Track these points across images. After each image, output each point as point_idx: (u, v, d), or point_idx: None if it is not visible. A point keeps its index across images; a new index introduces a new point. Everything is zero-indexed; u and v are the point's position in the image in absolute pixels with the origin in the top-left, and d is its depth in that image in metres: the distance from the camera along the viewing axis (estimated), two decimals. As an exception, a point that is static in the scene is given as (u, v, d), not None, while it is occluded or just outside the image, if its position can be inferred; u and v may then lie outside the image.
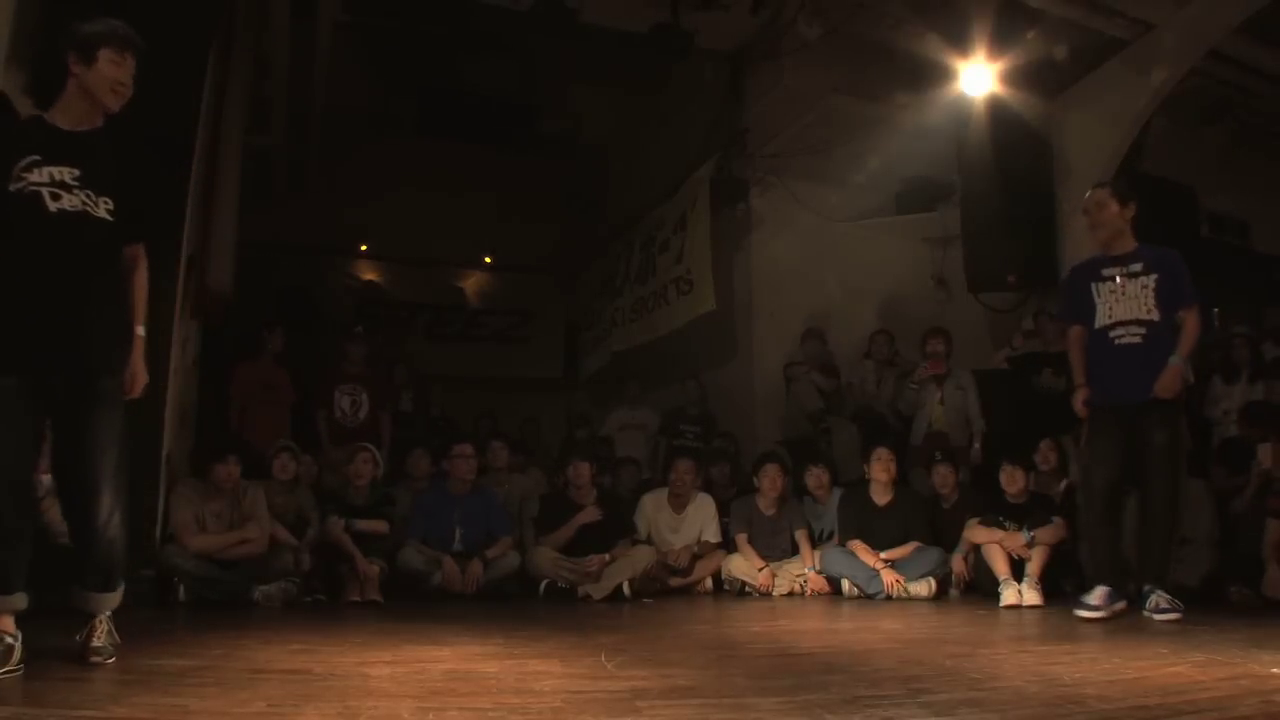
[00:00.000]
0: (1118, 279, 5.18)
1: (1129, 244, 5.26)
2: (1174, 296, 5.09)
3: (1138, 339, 5.09)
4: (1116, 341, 5.14)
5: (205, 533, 6.01)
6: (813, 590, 6.98)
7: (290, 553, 6.22)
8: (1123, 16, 7.68)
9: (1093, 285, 5.27)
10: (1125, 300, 5.15)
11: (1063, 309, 5.63)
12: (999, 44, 7.68)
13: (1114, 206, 5.22)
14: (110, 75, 3.33)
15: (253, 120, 8.53)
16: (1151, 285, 5.10)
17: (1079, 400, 5.30)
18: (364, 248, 13.24)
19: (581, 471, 7.20)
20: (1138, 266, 5.16)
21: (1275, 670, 3.09)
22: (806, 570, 7.06)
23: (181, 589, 5.86)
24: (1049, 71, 8.13)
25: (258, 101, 8.83)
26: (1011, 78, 7.94)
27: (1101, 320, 5.21)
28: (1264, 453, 6.17)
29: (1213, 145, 9.27)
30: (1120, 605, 4.90)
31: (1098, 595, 4.87)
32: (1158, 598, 4.86)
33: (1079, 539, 6.61)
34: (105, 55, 3.30)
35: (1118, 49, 7.95)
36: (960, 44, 7.81)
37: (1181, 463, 5.33)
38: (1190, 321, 5.07)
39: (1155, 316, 5.08)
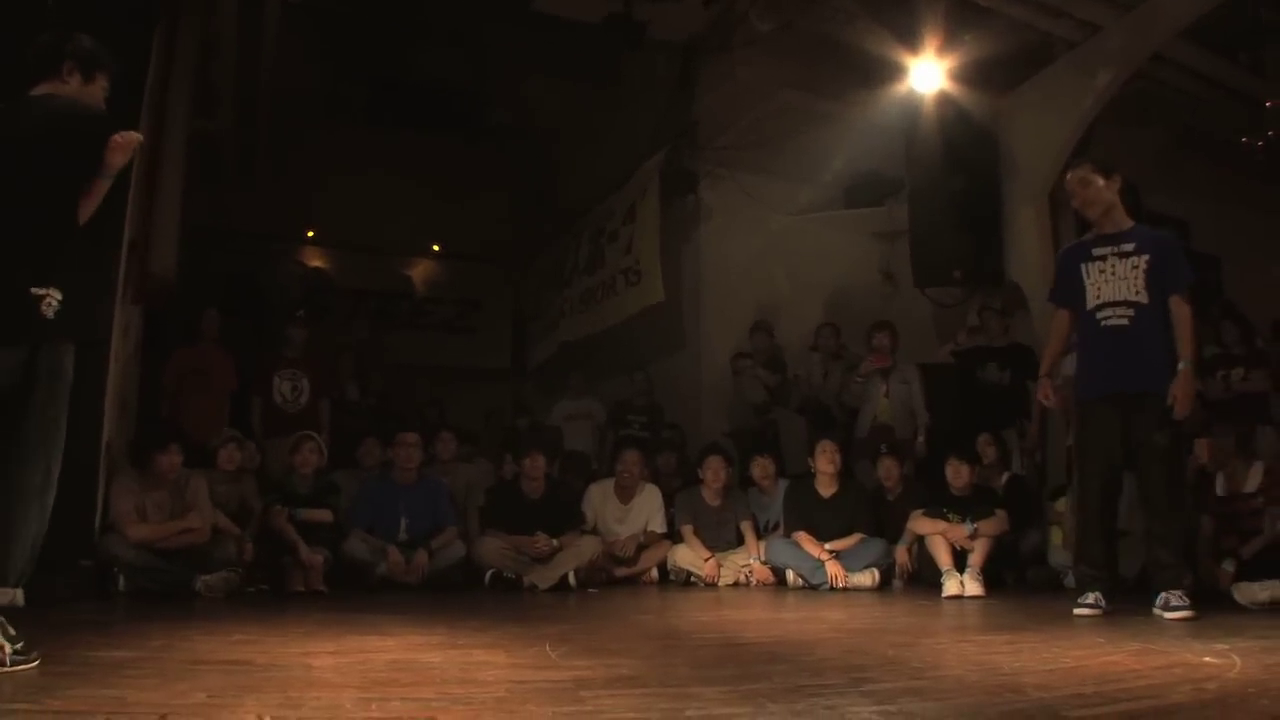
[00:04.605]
0: (1109, 258, 4.95)
1: (1123, 222, 5.04)
2: (1164, 280, 4.84)
3: (1124, 321, 4.86)
4: (1103, 323, 4.92)
5: (146, 522, 5.92)
6: (757, 581, 7.03)
7: (233, 542, 6.15)
8: (1070, 18, 7.80)
9: (1083, 266, 5.03)
10: (1114, 281, 4.91)
11: (1052, 292, 5.35)
12: (948, 41, 7.76)
13: (1098, 181, 4.99)
14: (99, 101, 3.26)
15: (199, 104, 8.38)
16: (1142, 266, 4.85)
17: (1041, 391, 5.20)
18: (311, 234, 13.07)
19: (537, 464, 7.17)
20: (1129, 246, 4.93)
21: (1207, 659, 3.15)
22: (751, 561, 7.11)
23: (121, 579, 5.75)
24: (997, 70, 8.22)
25: (204, 85, 8.67)
26: (960, 75, 8.03)
27: (1090, 301, 4.97)
28: (1200, 448, 6.27)
29: (1155, 146, 9.42)
30: (1109, 607, 4.74)
31: (1094, 596, 4.76)
32: (1168, 595, 4.59)
33: (1018, 530, 6.74)
34: (101, 82, 3.26)
35: (1065, 49, 8.07)
36: (910, 41, 7.89)
37: (1180, 464, 5.17)
38: (1183, 313, 4.79)
39: (1144, 299, 4.84)
